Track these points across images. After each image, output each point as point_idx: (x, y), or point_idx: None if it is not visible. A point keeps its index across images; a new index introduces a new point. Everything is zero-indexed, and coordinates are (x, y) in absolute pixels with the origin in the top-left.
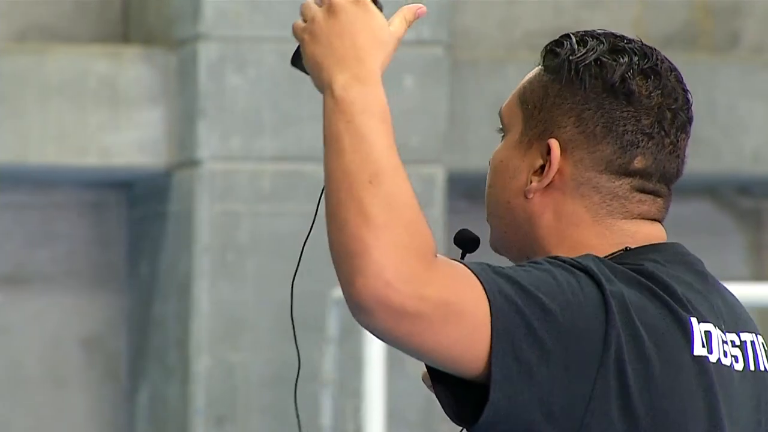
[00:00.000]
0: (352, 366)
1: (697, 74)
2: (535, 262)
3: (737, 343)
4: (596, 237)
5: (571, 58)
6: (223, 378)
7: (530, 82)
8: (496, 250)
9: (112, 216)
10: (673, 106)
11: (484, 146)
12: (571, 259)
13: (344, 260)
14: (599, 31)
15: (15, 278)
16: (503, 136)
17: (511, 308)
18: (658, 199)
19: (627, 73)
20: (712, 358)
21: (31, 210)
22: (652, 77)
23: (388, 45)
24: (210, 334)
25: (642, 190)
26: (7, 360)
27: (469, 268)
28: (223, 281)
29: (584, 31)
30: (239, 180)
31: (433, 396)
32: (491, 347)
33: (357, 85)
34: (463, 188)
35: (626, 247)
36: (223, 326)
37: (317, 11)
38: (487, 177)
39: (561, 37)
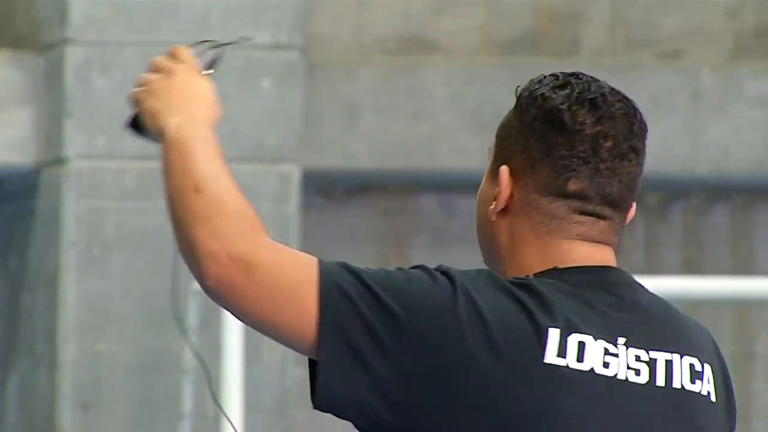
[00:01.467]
0: (212, 355)
1: None
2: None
3: (643, 358)
4: (536, 255)
5: (524, 94)
6: (89, 366)
7: (504, 118)
8: (487, 265)
9: None
10: (610, 134)
11: (337, 146)
12: (441, 266)
13: (187, 256)
14: (569, 72)
15: None
16: None
17: (345, 299)
18: (600, 221)
19: (562, 105)
20: (581, 367)
21: None
22: (589, 107)
23: (212, 103)
24: (77, 325)
25: (581, 212)
26: None
27: (322, 262)
28: (90, 274)
29: (555, 72)
30: (105, 178)
31: (288, 383)
32: (319, 332)
33: (187, 124)
34: (317, 185)
35: (555, 267)
36: (90, 317)
37: (156, 77)
38: None
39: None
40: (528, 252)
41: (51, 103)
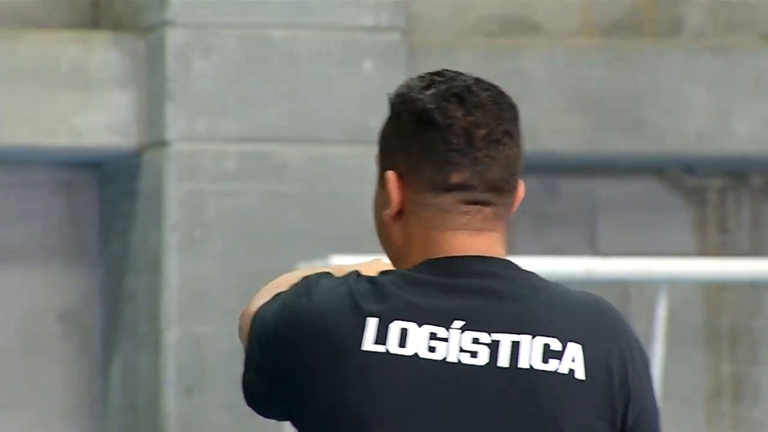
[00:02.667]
0: None
1: (642, 59)
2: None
3: (484, 341)
4: (420, 250)
5: (395, 100)
6: (192, 349)
7: (382, 127)
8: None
9: (84, 194)
10: (481, 123)
11: None
12: (313, 275)
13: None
14: (432, 72)
15: None
16: None
17: (251, 336)
18: (485, 209)
19: (430, 104)
20: (403, 351)
21: (5, 189)
22: (455, 102)
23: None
24: (179, 308)
25: (467, 202)
26: None
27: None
28: (191, 257)
29: (423, 74)
30: (205, 160)
31: None
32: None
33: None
34: None
35: (427, 259)
36: (192, 300)
37: None
38: None
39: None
40: (415, 249)
41: (151, 86)
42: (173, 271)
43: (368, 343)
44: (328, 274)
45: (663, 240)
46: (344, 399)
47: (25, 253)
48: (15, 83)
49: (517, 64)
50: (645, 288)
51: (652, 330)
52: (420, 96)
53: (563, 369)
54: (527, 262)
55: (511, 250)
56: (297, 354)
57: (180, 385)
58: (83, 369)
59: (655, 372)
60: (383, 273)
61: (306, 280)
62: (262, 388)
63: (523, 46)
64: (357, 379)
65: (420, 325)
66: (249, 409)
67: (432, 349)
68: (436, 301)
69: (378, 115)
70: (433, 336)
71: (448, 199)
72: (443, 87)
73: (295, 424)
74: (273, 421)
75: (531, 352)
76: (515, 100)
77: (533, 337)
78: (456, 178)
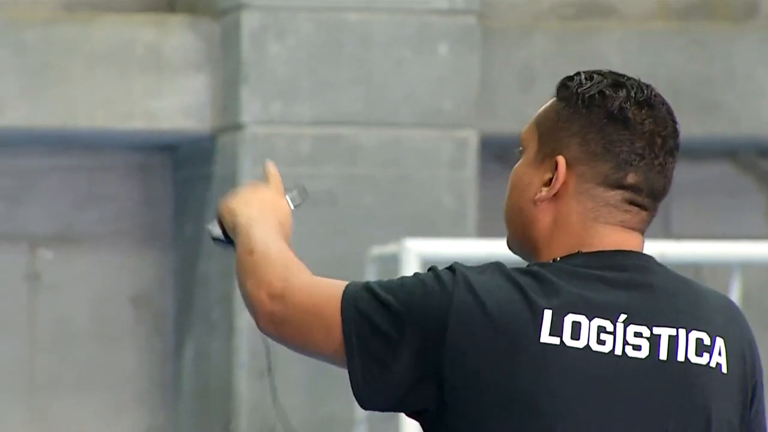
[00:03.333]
0: None
1: (717, 43)
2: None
3: (645, 335)
4: (572, 239)
5: (579, 90)
6: None
7: (546, 109)
8: (510, 250)
9: (158, 178)
10: (662, 133)
11: (513, 111)
12: (449, 266)
13: (247, 307)
14: (605, 70)
15: (64, 238)
16: (521, 154)
17: (361, 316)
18: (643, 212)
19: (625, 104)
20: (575, 344)
21: (80, 173)
22: (646, 108)
23: (288, 221)
24: None
25: (631, 202)
26: (56, 316)
27: (347, 286)
28: None
29: (593, 70)
30: (279, 143)
31: None
32: (344, 348)
33: (258, 219)
34: (494, 151)
35: (579, 251)
36: None
37: (244, 192)
38: (507, 189)
39: (575, 73)
40: (565, 235)
41: (226, 69)
42: None
43: (545, 335)
44: (437, 270)
45: (736, 223)
46: (521, 389)
47: (99, 237)
48: (90, 67)
49: (591, 47)
50: (718, 271)
51: None
52: (613, 94)
53: (713, 363)
54: None
55: None
56: (464, 349)
57: (252, 368)
58: (156, 353)
59: None
60: (538, 265)
61: (440, 273)
62: (392, 379)
63: (597, 29)
64: (534, 370)
65: (590, 319)
66: (322, 391)
67: (601, 342)
68: (603, 295)
69: (452, 99)
70: (601, 329)
71: (617, 196)
72: (632, 91)
73: (424, 417)
74: (345, 404)
75: (687, 345)
76: None
77: (688, 332)
78: (631, 178)
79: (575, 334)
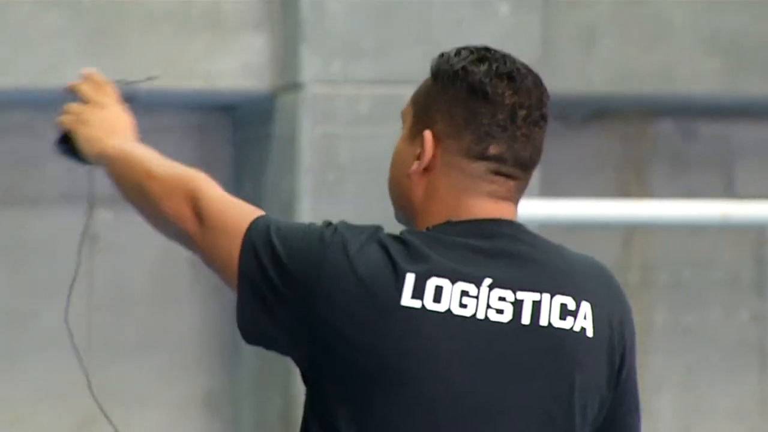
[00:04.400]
0: None
1: None
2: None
3: (509, 299)
4: (443, 209)
5: (444, 66)
6: None
7: (419, 87)
8: (397, 221)
9: (216, 138)
10: (526, 104)
11: (574, 71)
12: (341, 221)
13: (164, 227)
14: (478, 46)
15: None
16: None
17: (254, 253)
18: (510, 182)
19: (485, 78)
20: (437, 307)
21: (138, 132)
22: (507, 80)
23: (131, 128)
24: None
25: (497, 172)
26: (116, 277)
27: (256, 219)
28: (324, 200)
29: (464, 46)
30: (339, 103)
31: None
32: (237, 278)
33: (124, 143)
34: (554, 111)
35: (448, 220)
36: None
37: (86, 108)
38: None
39: (445, 51)
40: (436, 207)
41: (286, 28)
42: (306, 214)
43: (406, 299)
44: (333, 224)
45: None
46: (385, 351)
47: None
48: (148, 27)
49: (653, 7)
50: None
51: None
52: (474, 69)
53: (577, 327)
54: (663, 206)
55: (646, 193)
56: (333, 306)
57: None
58: (215, 313)
59: None
60: (408, 232)
61: (325, 229)
62: (272, 325)
63: None
64: (396, 333)
65: (453, 282)
66: None
67: (463, 306)
68: (469, 262)
69: None
70: (464, 293)
71: (481, 167)
72: (495, 65)
73: (305, 380)
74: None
75: (550, 310)
76: (651, 41)
77: (552, 296)
78: (493, 150)
79: (437, 298)
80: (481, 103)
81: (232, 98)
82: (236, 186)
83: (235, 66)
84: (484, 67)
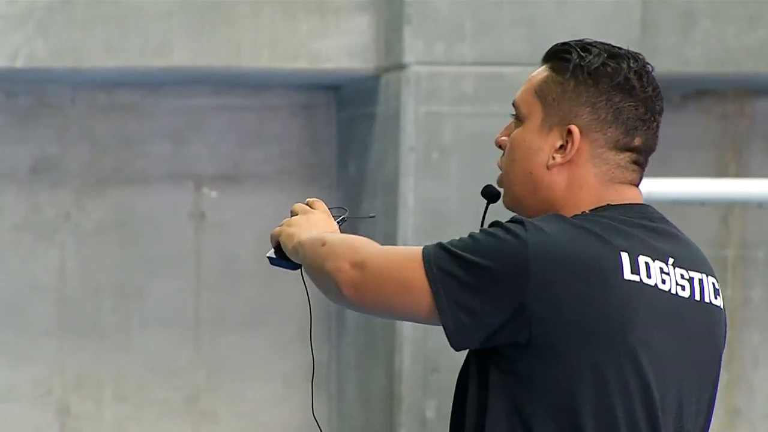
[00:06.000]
0: None
1: None
2: (482, 231)
3: (686, 277)
4: (593, 197)
5: (582, 63)
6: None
7: (544, 81)
8: (509, 208)
9: (321, 117)
10: (656, 98)
11: (673, 51)
12: (511, 219)
13: (328, 288)
14: (590, 40)
15: (230, 177)
16: (516, 120)
17: (442, 272)
18: (641, 170)
19: (628, 74)
20: (650, 282)
21: (245, 112)
22: (644, 76)
23: (332, 228)
24: (415, 231)
25: (635, 162)
26: (222, 253)
27: (424, 249)
28: (428, 180)
29: (578, 41)
30: (442, 83)
31: None
32: (434, 303)
33: (319, 234)
34: None
35: (608, 203)
36: (428, 222)
37: (295, 218)
38: (508, 152)
39: (563, 45)
40: (585, 195)
41: (390, 10)
42: (410, 193)
43: (627, 273)
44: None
45: None
46: (607, 321)
47: (264, 176)
48: (255, 8)
49: None
50: None
51: None
52: (616, 65)
53: (721, 305)
54: (760, 184)
55: (744, 173)
56: (550, 283)
57: None
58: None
59: None
60: (583, 217)
61: (510, 226)
62: (480, 324)
63: None
64: (619, 304)
65: (653, 260)
66: None
67: (663, 282)
68: (653, 241)
69: (613, 39)
70: (662, 270)
71: (626, 158)
72: (630, 62)
73: (512, 349)
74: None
75: (707, 289)
76: (748, 21)
77: (707, 276)
78: (637, 141)
79: (648, 274)
80: (626, 98)
81: (338, 78)
82: (341, 165)
83: (339, 47)
84: (624, 65)
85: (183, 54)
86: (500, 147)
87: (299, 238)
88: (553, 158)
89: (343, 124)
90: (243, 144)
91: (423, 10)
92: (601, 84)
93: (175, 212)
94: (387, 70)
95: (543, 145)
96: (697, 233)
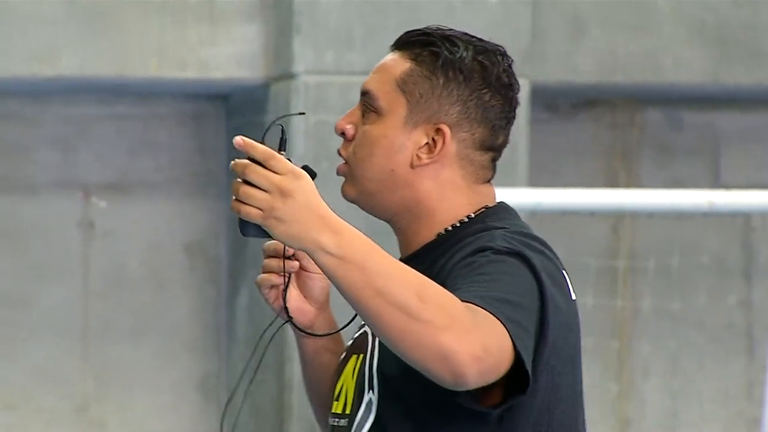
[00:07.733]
0: None
1: None
2: (491, 261)
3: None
4: (465, 199)
5: (452, 57)
6: None
7: (408, 74)
8: (353, 201)
9: (211, 126)
10: (518, 95)
11: (563, 60)
12: (506, 247)
13: (435, 362)
14: (448, 28)
15: (119, 186)
16: (370, 111)
17: (515, 324)
18: (495, 166)
19: (500, 72)
20: (574, 296)
21: (133, 121)
22: (512, 73)
23: (328, 212)
24: None
25: (494, 160)
26: (111, 263)
27: (499, 313)
28: (318, 188)
29: (441, 30)
30: (332, 92)
31: None
32: (515, 357)
33: (341, 238)
34: (544, 100)
35: (486, 206)
36: None
37: (271, 199)
38: (362, 146)
39: (423, 35)
40: (457, 197)
41: (279, 19)
42: None
43: (572, 293)
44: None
45: None
46: (575, 343)
47: (153, 185)
48: (144, 16)
49: None
50: (767, 220)
51: None
52: (490, 64)
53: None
54: (650, 195)
55: (634, 182)
56: (554, 324)
57: None
58: (209, 300)
59: None
60: (519, 228)
61: (531, 268)
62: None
63: None
64: (576, 326)
65: (563, 270)
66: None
67: (574, 291)
68: (546, 247)
69: (504, 47)
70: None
71: (489, 157)
72: (500, 58)
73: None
74: None
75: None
76: (637, 30)
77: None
78: (500, 140)
79: (571, 287)
80: (495, 96)
81: (226, 87)
82: (230, 174)
83: (229, 55)
84: (497, 62)
85: (70, 62)
86: (343, 134)
87: (320, 247)
88: (419, 157)
89: (233, 133)
90: (131, 153)
91: (312, 19)
92: (473, 81)
93: (64, 221)
94: (277, 79)
95: (407, 143)
96: (587, 243)
